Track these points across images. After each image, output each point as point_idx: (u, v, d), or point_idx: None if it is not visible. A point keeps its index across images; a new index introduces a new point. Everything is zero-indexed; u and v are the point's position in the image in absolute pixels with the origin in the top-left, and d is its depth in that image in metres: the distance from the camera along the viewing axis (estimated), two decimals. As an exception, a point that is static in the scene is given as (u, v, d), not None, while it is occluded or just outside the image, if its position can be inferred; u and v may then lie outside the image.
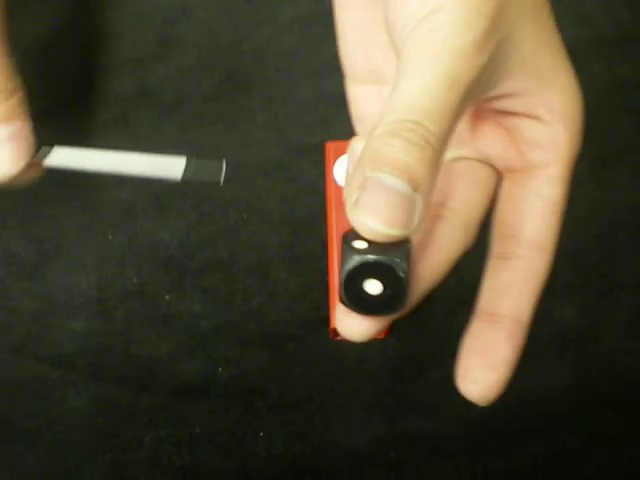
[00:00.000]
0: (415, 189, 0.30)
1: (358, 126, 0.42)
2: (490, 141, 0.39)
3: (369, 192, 0.30)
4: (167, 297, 0.53)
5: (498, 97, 0.36)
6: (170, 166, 0.40)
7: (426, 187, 0.31)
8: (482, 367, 0.36)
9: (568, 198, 0.38)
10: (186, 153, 0.56)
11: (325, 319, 0.53)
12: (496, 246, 0.38)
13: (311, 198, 0.55)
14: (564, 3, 0.58)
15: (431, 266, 0.37)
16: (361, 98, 0.42)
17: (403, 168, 0.30)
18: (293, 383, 0.52)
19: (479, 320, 0.38)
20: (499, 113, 0.38)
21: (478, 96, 0.35)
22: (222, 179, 0.39)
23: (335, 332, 0.52)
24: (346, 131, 0.55)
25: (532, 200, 0.37)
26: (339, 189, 0.53)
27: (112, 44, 0.57)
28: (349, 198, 0.31)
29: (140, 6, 0.58)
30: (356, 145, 0.33)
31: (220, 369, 0.52)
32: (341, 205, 0.53)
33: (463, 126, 0.39)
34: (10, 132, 0.43)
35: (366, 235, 0.30)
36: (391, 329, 0.53)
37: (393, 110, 0.31)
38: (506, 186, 0.39)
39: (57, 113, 0.54)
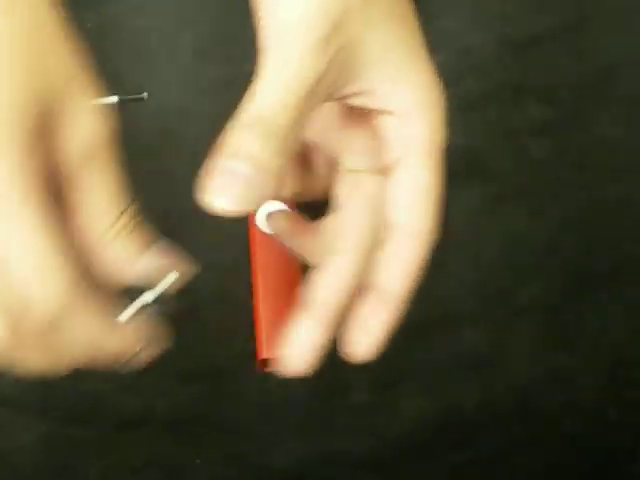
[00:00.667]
0: (260, 172, 0.37)
1: None
2: (359, 144, 0.43)
3: (217, 178, 0.37)
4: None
5: (353, 95, 0.41)
6: None
7: (274, 170, 0.37)
8: (363, 333, 0.44)
9: (440, 184, 0.42)
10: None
11: (253, 353, 0.57)
12: None
13: (236, 243, 0.61)
14: (460, 58, 0.65)
15: None
16: None
17: (247, 155, 0.37)
18: (226, 413, 0.57)
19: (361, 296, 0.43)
20: (362, 113, 0.43)
21: (329, 93, 0.40)
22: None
23: (262, 364, 0.57)
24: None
25: (400, 192, 0.42)
26: (262, 234, 0.59)
27: None
28: (205, 185, 0.38)
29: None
30: None
31: (159, 401, 0.57)
32: (264, 249, 0.58)
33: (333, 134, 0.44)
34: None
35: (220, 212, 0.37)
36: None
37: (244, 108, 0.38)
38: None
39: None
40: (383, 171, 0.42)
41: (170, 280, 0.44)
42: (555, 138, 0.64)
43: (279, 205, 0.58)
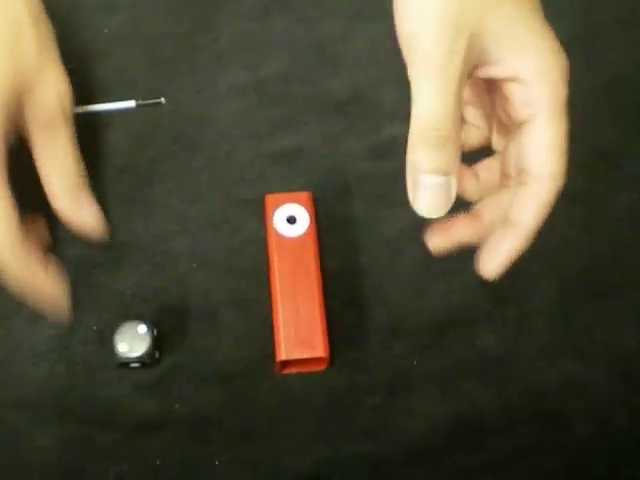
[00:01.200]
0: (447, 175, 0.46)
1: None
2: (484, 107, 0.54)
3: (418, 191, 0.46)
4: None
5: (482, 66, 0.48)
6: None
7: (453, 167, 0.46)
8: (494, 254, 0.52)
9: (565, 136, 0.49)
10: (137, 212, 0.62)
11: (270, 356, 0.58)
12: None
13: (254, 247, 0.61)
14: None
15: None
16: None
17: (435, 167, 0.46)
18: (244, 415, 0.57)
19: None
20: (487, 82, 0.51)
21: (469, 75, 0.48)
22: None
23: (280, 366, 0.57)
24: (282, 185, 0.62)
25: (533, 146, 0.49)
26: (279, 237, 0.59)
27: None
28: (410, 197, 0.47)
29: (94, 75, 0.64)
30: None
31: (176, 405, 0.57)
32: (281, 251, 0.59)
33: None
34: None
35: (426, 216, 0.47)
36: (332, 363, 0.58)
37: (414, 123, 0.46)
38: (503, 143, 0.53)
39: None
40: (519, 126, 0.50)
41: None
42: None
43: (298, 207, 0.59)
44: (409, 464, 0.57)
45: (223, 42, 0.67)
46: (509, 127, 0.52)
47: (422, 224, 0.60)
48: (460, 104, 0.46)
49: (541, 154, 0.49)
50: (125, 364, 0.57)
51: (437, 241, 0.53)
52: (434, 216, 0.47)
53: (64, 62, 0.56)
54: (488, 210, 0.53)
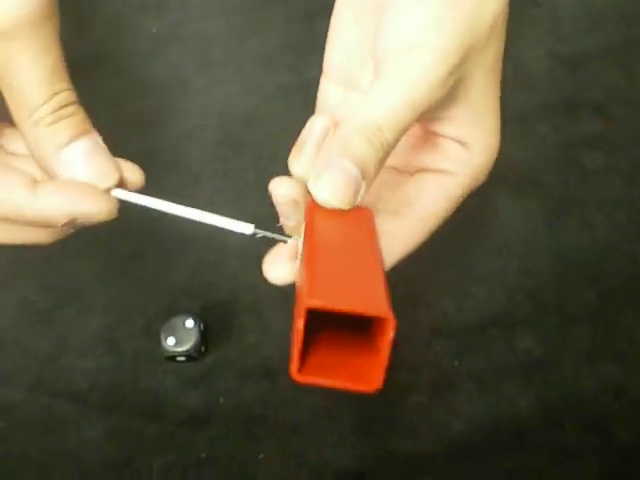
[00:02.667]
0: (363, 177, 0.40)
1: (318, 111, 0.50)
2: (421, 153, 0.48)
3: (330, 172, 0.40)
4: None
5: (438, 119, 0.45)
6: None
7: (371, 178, 0.41)
8: None
9: (450, 214, 0.47)
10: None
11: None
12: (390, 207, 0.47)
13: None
14: (514, 73, 0.66)
15: None
16: (330, 94, 0.50)
17: (360, 160, 0.40)
18: (288, 411, 0.58)
19: None
20: (432, 133, 0.47)
21: (426, 116, 0.44)
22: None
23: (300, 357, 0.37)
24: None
25: (433, 187, 0.46)
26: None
27: (117, 108, 0.63)
28: (313, 173, 0.40)
29: (143, 74, 0.65)
30: (314, 122, 0.44)
31: (222, 399, 0.58)
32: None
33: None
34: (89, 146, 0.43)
35: (320, 203, 0.40)
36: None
37: (366, 113, 0.40)
38: (416, 177, 0.48)
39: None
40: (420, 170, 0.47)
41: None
42: (607, 151, 0.65)
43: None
44: (450, 462, 0.57)
45: (270, 44, 0.68)
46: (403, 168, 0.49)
47: (463, 226, 0.62)
48: (405, 133, 0.42)
49: (439, 201, 0.46)
50: (171, 358, 0.58)
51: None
52: (331, 203, 0.40)
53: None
54: None
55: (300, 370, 0.37)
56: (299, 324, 0.35)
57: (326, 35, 0.57)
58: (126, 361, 0.59)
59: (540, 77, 0.68)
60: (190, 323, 0.57)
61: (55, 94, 0.41)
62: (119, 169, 0.43)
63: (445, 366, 0.59)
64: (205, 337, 0.58)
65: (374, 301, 0.35)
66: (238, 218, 0.63)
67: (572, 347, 0.60)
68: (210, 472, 0.56)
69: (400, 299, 0.60)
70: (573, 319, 0.61)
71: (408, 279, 0.61)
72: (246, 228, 0.47)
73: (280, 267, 0.45)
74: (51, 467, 0.56)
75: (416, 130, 0.48)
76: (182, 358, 0.58)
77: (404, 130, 0.41)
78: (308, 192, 0.43)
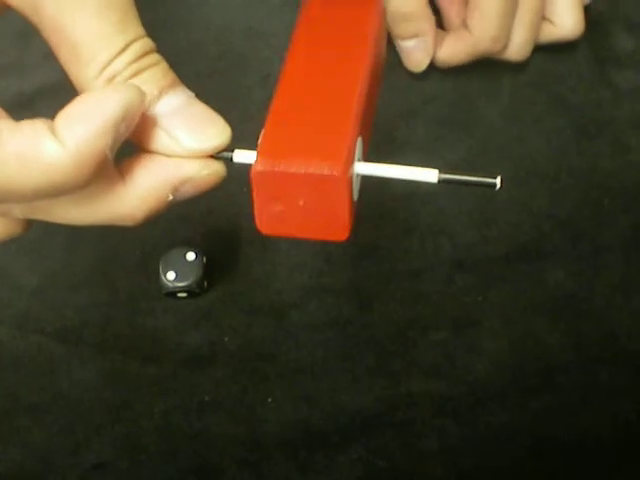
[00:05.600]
0: (417, 36, 0.59)
1: None
2: None
3: (402, 54, 0.61)
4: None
5: None
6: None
7: (423, 31, 0.59)
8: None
9: None
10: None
11: (326, 286, 0.54)
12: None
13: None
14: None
15: None
16: None
17: (407, 34, 0.59)
18: (298, 349, 0.53)
19: None
20: None
21: None
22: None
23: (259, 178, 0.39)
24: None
25: None
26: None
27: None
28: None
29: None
30: None
31: (226, 338, 0.53)
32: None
33: None
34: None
35: (413, 70, 0.61)
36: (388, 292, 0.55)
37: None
38: None
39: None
40: None
41: None
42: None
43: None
44: (474, 403, 0.53)
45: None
46: None
47: (488, 151, 0.57)
48: None
49: None
50: (172, 294, 0.53)
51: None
52: (417, 70, 0.60)
53: None
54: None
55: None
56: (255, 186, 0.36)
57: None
58: (121, 296, 0.54)
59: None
60: (191, 256, 0.53)
61: (129, 43, 0.34)
62: (226, 124, 0.37)
63: (468, 301, 0.55)
64: (208, 271, 0.54)
65: (326, 160, 0.34)
66: (243, 139, 0.58)
67: (605, 279, 0.56)
68: (215, 416, 0.52)
69: (420, 230, 0.57)
70: (606, 249, 0.56)
71: (428, 209, 0.57)
72: (431, 176, 0.38)
73: None
74: (42, 410, 0.52)
75: None
76: (183, 294, 0.53)
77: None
78: None
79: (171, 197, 0.36)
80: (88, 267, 0.54)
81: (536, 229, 0.56)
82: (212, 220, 0.55)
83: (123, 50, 0.34)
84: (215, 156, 0.36)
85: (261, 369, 0.53)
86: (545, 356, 0.54)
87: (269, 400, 0.52)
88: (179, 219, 0.55)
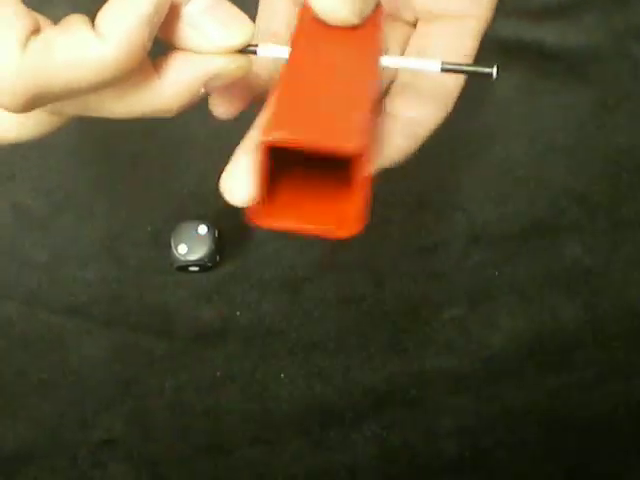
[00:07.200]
0: None
1: None
2: None
3: None
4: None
5: None
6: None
7: None
8: None
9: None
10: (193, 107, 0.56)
11: (339, 262, 0.54)
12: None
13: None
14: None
15: None
16: None
17: None
18: (311, 325, 0.53)
19: None
20: None
21: None
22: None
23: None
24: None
25: (441, 41, 0.41)
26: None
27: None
28: None
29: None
30: None
31: (238, 313, 0.53)
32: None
33: None
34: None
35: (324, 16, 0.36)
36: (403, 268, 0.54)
37: None
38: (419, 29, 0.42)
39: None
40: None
41: None
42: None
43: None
44: (490, 380, 0.52)
45: None
46: None
47: (504, 125, 0.56)
48: None
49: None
50: (183, 268, 0.53)
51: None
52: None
53: None
54: None
55: (264, 213, 0.32)
56: (258, 160, 0.30)
57: None
58: (131, 272, 0.53)
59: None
60: (203, 229, 0.52)
61: None
62: (250, 21, 0.36)
63: (484, 276, 0.54)
64: (220, 245, 0.53)
65: (344, 132, 0.30)
66: (253, 116, 0.57)
67: (622, 255, 0.55)
68: (227, 392, 0.52)
69: (435, 205, 0.56)
70: (624, 224, 0.55)
71: (443, 183, 0.56)
72: (434, 65, 0.36)
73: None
74: (51, 387, 0.52)
75: None
76: (195, 268, 0.53)
77: None
78: None
79: (202, 90, 0.37)
80: (98, 242, 0.54)
81: (553, 204, 0.55)
82: (222, 198, 0.54)
83: None
84: (241, 51, 0.37)
85: (273, 345, 0.52)
86: (561, 332, 0.53)
87: (282, 376, 0.52)
88: (190, 195, 0.54)
